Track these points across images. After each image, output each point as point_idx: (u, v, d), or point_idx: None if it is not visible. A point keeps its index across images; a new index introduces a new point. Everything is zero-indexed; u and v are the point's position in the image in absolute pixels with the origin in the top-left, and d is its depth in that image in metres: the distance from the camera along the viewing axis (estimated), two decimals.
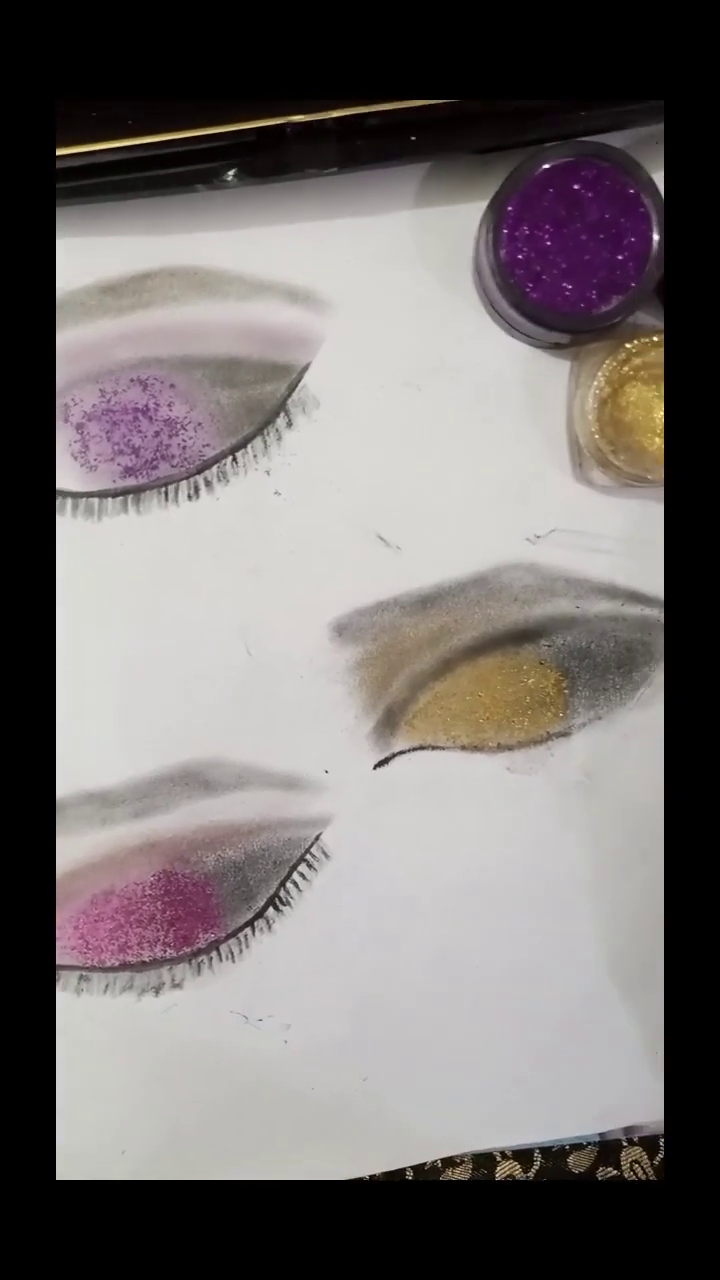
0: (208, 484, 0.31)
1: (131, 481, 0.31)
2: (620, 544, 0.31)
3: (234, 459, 0.31)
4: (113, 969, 0.31)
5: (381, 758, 0.31)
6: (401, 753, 0.31)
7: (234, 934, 0.31)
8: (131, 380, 0.31)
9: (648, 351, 0.29)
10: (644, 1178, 0.33)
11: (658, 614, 0.32)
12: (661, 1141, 0.33)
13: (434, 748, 0.31)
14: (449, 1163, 0.33)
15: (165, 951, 0.31)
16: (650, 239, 0.27)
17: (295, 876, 0.31)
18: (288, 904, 0.31)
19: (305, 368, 0.31)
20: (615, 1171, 0.33)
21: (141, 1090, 0.32)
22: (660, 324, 0.30)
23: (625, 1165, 0.33)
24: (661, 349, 0.29)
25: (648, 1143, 0.33)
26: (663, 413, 0.29)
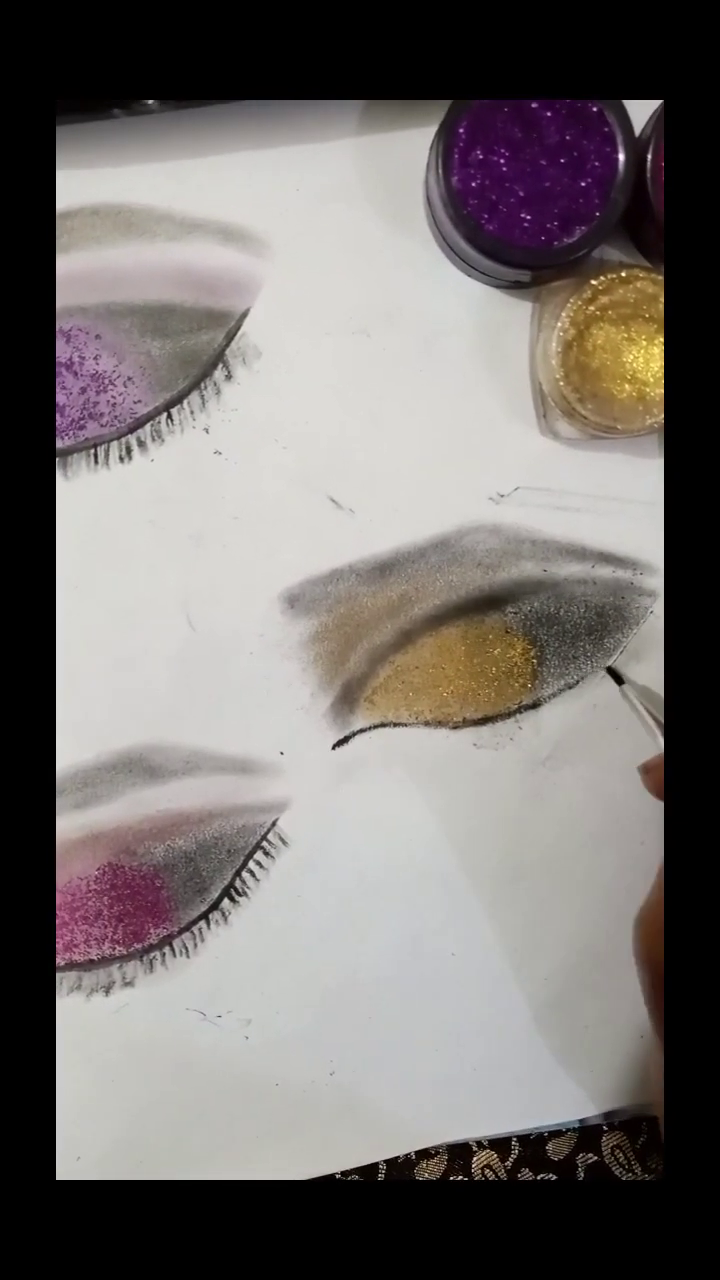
0: (141, 444, 0.29)
1: (57, 443, 0.29)
2: (589, 501, 0.30)
3: (169, 416, 0.29)
4: (59, 968, 0.30)
5: (340, 737, 0.30)
6: (361, 731, 0.30)
7: (187, 928, 0.30)
8: None
9: (615, 289, 0.26)
10: (625, 1163, 0.32)
11: (630, 576, 0.30)
12: (643, 1125, 0.32)
13: (396, 724, 0.30)
14: (424, 1154, 0.32)
15: (114, 949, 0.30)
16: (615, 162, 0.25)
17: (251, 865, 0.30)
18: (244, 894, 0.30)
19: (244, 314, 0.29)
20: (595, 1157, 0.32)
21: (95, 1093, 0.30)
22: (628, 258, 0.28)
23: (606, 1151, 0.32)
24: (630, 285, 0.27)
25: (628, 1127, 0.32)
26: (633, 356, 0.27)
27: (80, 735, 0.29)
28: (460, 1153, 0.32)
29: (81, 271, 0.28)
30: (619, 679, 0.30)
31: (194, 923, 0.30)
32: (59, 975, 0.30)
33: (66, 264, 0.28)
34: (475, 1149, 0.32)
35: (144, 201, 0.28)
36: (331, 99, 0.27)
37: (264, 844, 0.30)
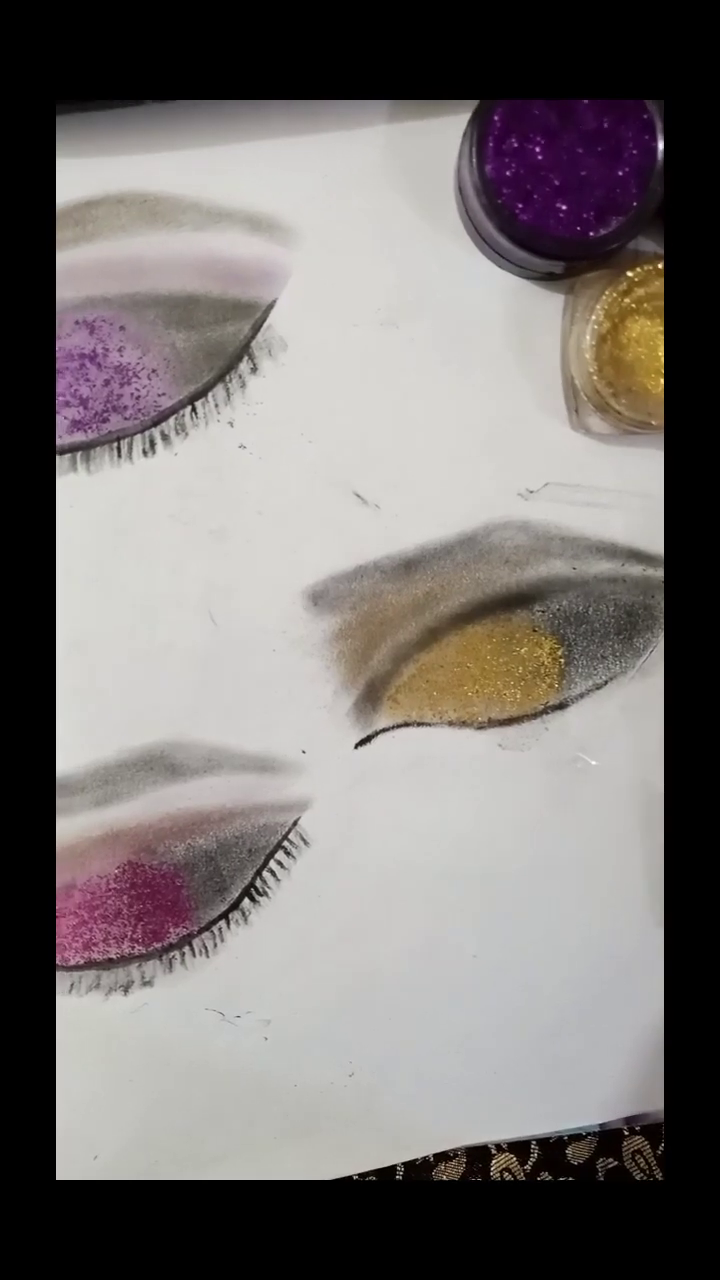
0: (165, 438, 0.28)
1: (80, 436, 0.28)
2: (620, 498, 0.29)
3: (193, 409, 0.28)
4: (77, 967, 0.30)
5: (363, 736, 0.29)
6: (384, 730, 0.29)
7: (207, 928, 0.30)
8: (76, 323, 0.28)
9: (651, 281, 0.26)
10: (646, 1168, 0.32)
11: (661, 574, 0.29)
12: (665, 1130, 0.32)
13: (419, 724, 0.29)
14: (442, 1157, 0.31)
15: (133, 948, 0.29)
16: (653, 151, 0.25)
17: (272, 865, 0.29)
18: (265, 894, 0.29)
19: (270, 306, 0.28)
20: (616, 1162, 0.32)
21: (112, 1093, 0.30)
22: (663, 249, 0.27)
23: (627, 1155, 0.32)
24: None
25: (650, 1132, 0.32)
26: None
27: (100, 732, 0.29)
28: (479, 1155, 0.31)
29: (106, 261, 0.28)
30: None
31: (214, 922, 0.29)
32: (78, 974, 0.30)
33: (90, 253, 0.28)
34: (494, 1152, 0.31)
35: (170, 190, 0.28)
36: (352, 99, 0.27)
37: (285, 843, 0.30)
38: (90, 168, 0.27)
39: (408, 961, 0.30)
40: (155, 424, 0.28)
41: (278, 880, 0.30)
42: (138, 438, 0.28)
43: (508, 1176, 0.31)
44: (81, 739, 0.29)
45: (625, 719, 0.30)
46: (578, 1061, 0.31)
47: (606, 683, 0.30)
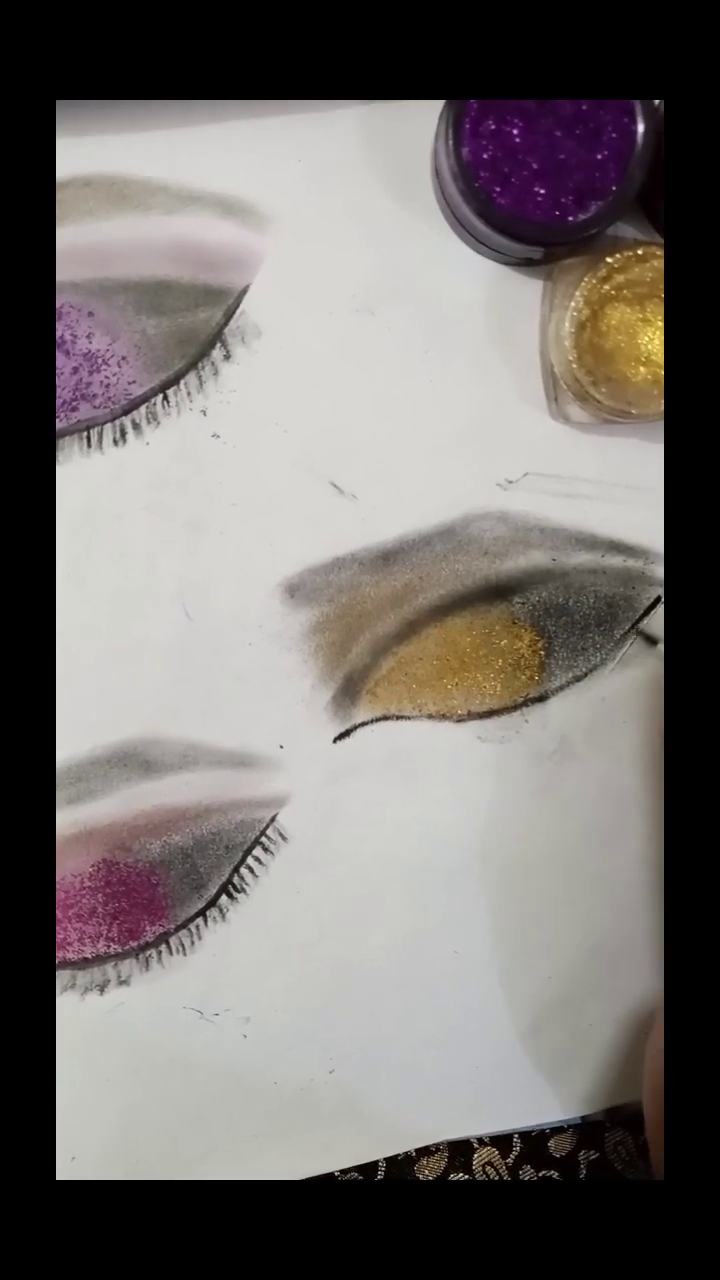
0: (135, 427, 0.28)
1: None
2: (600, 488, 0.29)
3: (165, 397, 0.28)
4: None
5: (341, 730, 0.29)
6: (363, 724, 0.29)
7: (184, 925, 0.29)
8: None
9: (631, 267, 0.25)
10: (628, 1159, 0.32)
11: (641, 565, 0.29)
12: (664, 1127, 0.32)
13: (398, 717, 0.29)
14: (424, 1152, 0.31)
15: (109, 947, 0.29)
16: (633, 134, 0.24)
17: (250, 861, 0.29)
18: (242, 891, 0.29)
19: (243, 292, 0.28)
20: (598, 1154, 0.32)
21: (91, 1094, 0.30)
22: (644, 235, 0.27)
23: (608, 1147, 0.32)
24: (646, 263, 0.26)
25: (631, 1124, 0.32)
26: (648, 338, 0.26)
27: (74, 729, 0.28)
28: (461, 1150, 0.31)
29: (73, 246, 0.27)
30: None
31: (191, 920, 0.29)
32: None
33: (58, 238, 0.27)
34: (476, 1146, 0.31)
35: (140, 173, 0.27)
36: (332, 99, 0.26)
37: (263, 839, 0.29)
38: (58, 150, 0.27)
39: (388, 957, 0.30)
40: (126, 413, 0.28)
41: (255, 877, 0.29)
42: (108, 427, 0.28)
43: (490, 1170, 0.31)
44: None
45: (606, 711, 0.30)
46: (560, 1055, 0.31)
47: (586, 675, 0.29)
